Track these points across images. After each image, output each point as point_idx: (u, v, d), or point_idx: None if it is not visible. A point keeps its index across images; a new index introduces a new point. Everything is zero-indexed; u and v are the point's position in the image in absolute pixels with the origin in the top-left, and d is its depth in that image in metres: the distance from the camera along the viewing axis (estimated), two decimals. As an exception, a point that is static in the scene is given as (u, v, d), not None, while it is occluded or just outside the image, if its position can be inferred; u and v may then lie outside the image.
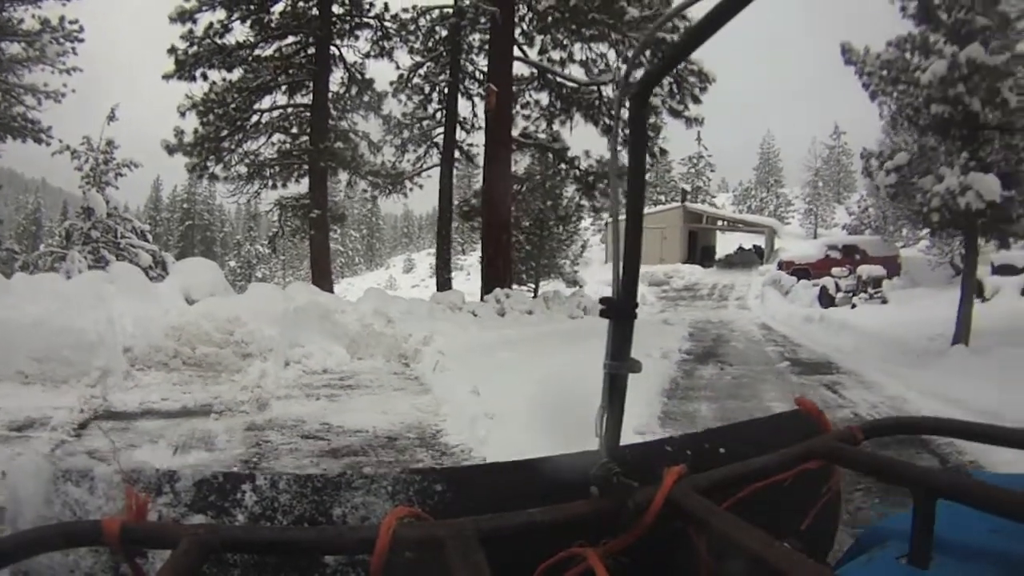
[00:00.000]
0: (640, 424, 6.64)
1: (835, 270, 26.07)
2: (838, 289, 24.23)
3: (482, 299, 17.10)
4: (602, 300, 0.81)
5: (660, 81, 0.81)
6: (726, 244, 52.24)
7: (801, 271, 29.73)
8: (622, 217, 0.82)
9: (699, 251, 47.57)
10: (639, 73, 0.83)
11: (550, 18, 18.62)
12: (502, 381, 8.03)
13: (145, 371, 8.75)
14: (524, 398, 7.04)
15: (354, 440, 6.21)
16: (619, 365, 0.81)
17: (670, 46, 0.49)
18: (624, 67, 18.84)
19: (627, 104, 0.79)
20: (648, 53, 18.06)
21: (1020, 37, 10.70)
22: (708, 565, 0.79)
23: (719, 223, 51.29)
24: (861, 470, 0.88)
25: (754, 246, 49.85)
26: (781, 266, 32.07)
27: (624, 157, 0.88)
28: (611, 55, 19.45)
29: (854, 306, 21.44)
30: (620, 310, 0.81)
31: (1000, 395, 7.31)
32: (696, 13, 0.68)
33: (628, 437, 0.83)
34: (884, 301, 21.76)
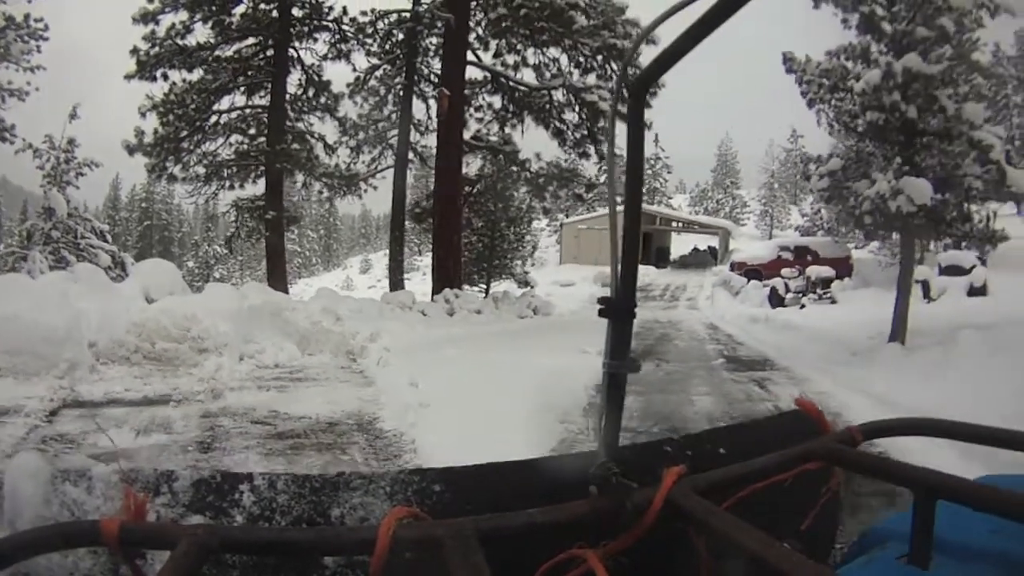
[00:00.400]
0: (563, 413, 7.10)
1: (785, 271, 26.20)
2: (788, 290, 24.43)
3: (432, 299, 17.37)
4: (600, 300, 0.81)
5: (659, 78, 0.80)
6: (681, 245, 52.76)
7: (753, 272, 29.54)
8: (620, 222, 0.83)
9: (654, 252, 47.61)
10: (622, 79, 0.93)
11: (503, 24, 18.81)
12: (442, 375, 8.52)
13: (109, 365, 9.12)
14: (460, 389, 7.75)
15: (298, 425, 6.79)
16: (618, 364, 0.81)
17: (670, 44, 0.71)
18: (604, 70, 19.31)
19: (625, 100, 0.80)
20: (600, 56, 18.63)
21: (975, 47, 11.14)
22: (708, 566, 0.80)
23: (674, 224, 51.70)
24: (861, 471, 0.88)
25: (709, 247, 50.38)
26: (733, 267, 32.00)
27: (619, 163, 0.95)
28: (563, 60, 19.69)
29: (803, 306, 21.78)
30: (619, 309, 0.81)
31: (917, 389, 7.86)
32: (684, 17, 0.70)
33: (545, 416, 1.03)
34: (833, 301, 22.13)
